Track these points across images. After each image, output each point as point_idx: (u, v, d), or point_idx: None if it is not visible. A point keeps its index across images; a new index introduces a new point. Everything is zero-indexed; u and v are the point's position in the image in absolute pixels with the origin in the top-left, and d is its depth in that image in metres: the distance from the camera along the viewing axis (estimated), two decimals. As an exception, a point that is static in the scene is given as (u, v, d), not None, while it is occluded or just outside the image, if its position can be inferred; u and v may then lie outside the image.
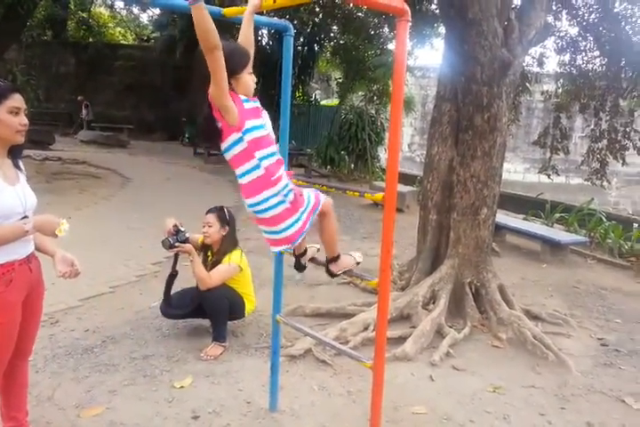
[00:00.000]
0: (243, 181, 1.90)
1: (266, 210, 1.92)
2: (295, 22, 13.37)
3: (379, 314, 2.07)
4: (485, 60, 3.93)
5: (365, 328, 3.47)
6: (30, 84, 9.76)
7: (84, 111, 16.89)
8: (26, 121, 1.89)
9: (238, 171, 1.90)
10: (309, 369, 3.10)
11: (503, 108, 4.07)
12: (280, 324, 2.55)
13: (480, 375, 3.18)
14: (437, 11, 10.17)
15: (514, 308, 3.92)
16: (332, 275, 2.22)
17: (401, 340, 3.41)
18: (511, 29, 4.13)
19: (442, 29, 11.26)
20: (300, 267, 2.30)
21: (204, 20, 1.61)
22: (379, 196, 2.05)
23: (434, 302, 3.84)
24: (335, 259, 2.20)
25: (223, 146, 1.88)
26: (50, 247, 2.07)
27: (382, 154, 11.93)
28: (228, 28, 14.36)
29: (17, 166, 1.98)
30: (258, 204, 1.91)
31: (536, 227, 6.80)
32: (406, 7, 1.83)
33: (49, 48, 17.98)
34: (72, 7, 19.34)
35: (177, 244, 3.03)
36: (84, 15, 20.67)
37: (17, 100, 1.85)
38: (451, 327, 3.67)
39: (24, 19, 10.27)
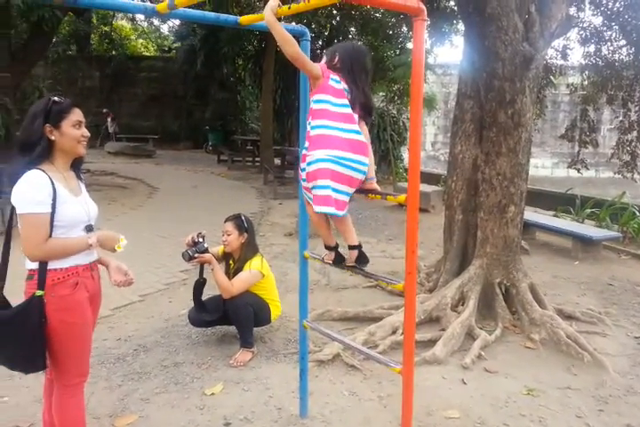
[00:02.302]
0: (362, 138, 2.01)
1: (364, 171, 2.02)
2: (313, 26, 13.41)
3: (406, 318, 2.04)
4: (506, 56, 3.86)
5: (394, 332, 3.43)
6: (58, 99, 9.99)
7: (109, 123, 17.26)
8: (87, 133, 2.01)
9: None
10: (339, 374, 3.08)
11: (527, 104, 3.99)
12: (307, 329, 2.54)
13: (514, 378, 3.11)
14: (455, 7, 10.07)
15: (546, 307, 3.82)
16: (363, 260, 2.16)
17: (431, 343, 3.36)
18: (532, 23, 4.05)
19: (461, 26, 11.12)
20: (340, 259, 2.26)
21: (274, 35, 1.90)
22: (401, 197, 2.02)
23: (463, 304, 3.78)
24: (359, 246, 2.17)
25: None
26: (104, 257, 2.19)
27: (405, 154, 11.83)
28: (246, 35, 14.52)
29: (79, 178, 2.11)
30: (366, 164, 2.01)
31: (566, 223, 6.63)
32: (422, 6, 1.80)
33: (74, 63, 18.44)
34: (94, 21, 19.81)
35: (196, 255, 3.08)
36: (107, 29, 21.15)
37: (78, 114, 1.98)
38: (481, 329, 3.60)
39: (49, 35, 10.55)
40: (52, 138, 1.93)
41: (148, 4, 2.02)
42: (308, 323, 2.51)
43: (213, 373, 3.09)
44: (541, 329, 3.59)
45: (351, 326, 3.73)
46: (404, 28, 12.78)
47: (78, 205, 1.99)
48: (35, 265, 1.93)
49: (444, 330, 3.51)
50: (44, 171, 1.91)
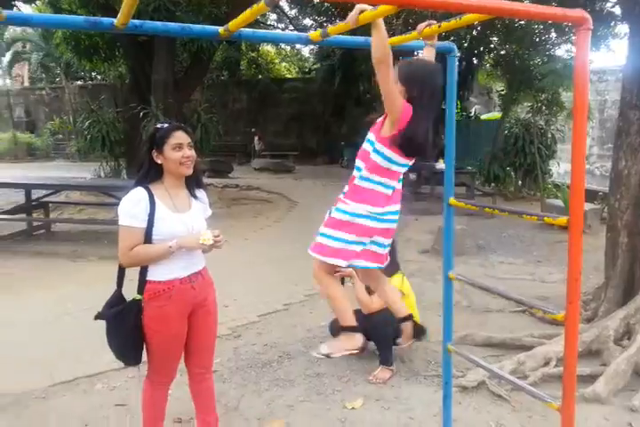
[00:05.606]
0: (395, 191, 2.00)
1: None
2: (452, 38, 13.17)
3: (567, 352, 1.87)
4: (683, 60, 3.42)
5: (546, 363, 3.17)
6: (212, 121, 11.03)
7: (256, 142, 18.67)
8: (188, 154, 2.14)
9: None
10: (484, 403, 2.93)
11: None
12: (451, 353, 2.46)
13: (696, 428, 2.68)
14: (614, 9, 9.19)
15: None
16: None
17: (589, 378, 3.04)
18: None
19: (619, 29, 10.11)
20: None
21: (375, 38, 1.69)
22: (562, 220, 1.87)
23: (629, 338, 3.36)
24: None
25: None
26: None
27: (554, 168, 10.94)
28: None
29: (194, 196, 2.25)
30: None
31: None
32: (587, 15, 1.66)
33: (225, 87, 20.23)
34: (243, 48, 21.57)
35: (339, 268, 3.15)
36: (254, 55, 22.90)
37: (177, 137, 2.13)
38: (652, 368, 3.17)
39: (206, 63, 11.77)
40: (159, 161, 2.14)
41: (303, 34, 2.14)
42: (452, 347, 2.43)
43: (353, 387, 3.13)
44: None
45: (495, 352, 3.52)
46: (553, 34, 11.98)
47: (178, 221, 2.13)
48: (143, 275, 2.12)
49: (605, 365, 3.15)
50: (148, 188, 2.12)
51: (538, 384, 2.97)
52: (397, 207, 1.98)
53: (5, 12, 1.53)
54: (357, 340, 1.99)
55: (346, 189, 1.99)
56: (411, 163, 1.96)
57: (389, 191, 1.93)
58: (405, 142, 1.85)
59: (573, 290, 1.84)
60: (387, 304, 2.17)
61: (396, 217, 1.98)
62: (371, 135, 1.95)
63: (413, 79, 1.88)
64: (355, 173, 1.96)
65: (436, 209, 8.55)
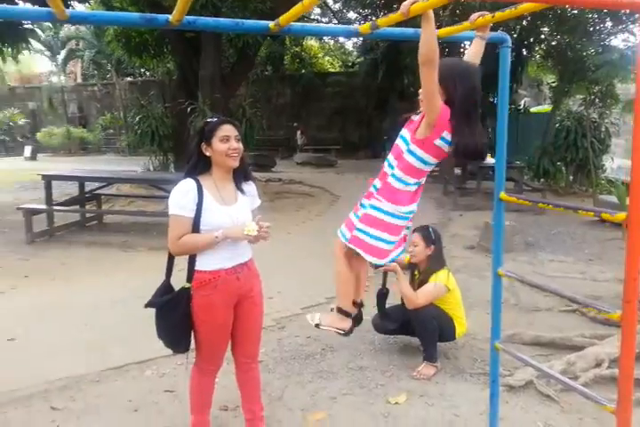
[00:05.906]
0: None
1: None
2: (501, 29, 12.76)
3: (623, 353, 1.80)
4: None
5: (598, 364, 3.05)
6: (257, 116, 11.14)
7: (298, 136, 18.78)
8: (235, 146, 2.18)
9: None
10: (531, 403, 2.86)
11: None
12: (498, 351, 2.41)
13: None
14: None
15: None
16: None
17: (645, 382, 2.92)
18: None
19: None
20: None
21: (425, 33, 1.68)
22: (620, 216, 1.79)
23: (689, 341, 3.20)
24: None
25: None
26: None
27: (608, 163, 10.49)
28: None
29: (240, 190, 2.30)
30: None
31: None
32: None
33: (270, 82, 20.43)
34: (287, 43, 21.66)
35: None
36: (297, 49, 22.95)
37: (225, 130, 2.18)
38: None
39: (252, 59, 11.89)
40: (208, 154, 2.19)
41: (352, 26, 2.13)
42: (500, 345, 2.38)
43: (397, 382, 3.12)
44: None
45: (544, 352, 3.42)
46: (608, 23, 11.44)
47: (224, 213, 2.18)
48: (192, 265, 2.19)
49: (662, 369, 3.01)
50: (197, 180, 2.17)
51: (589, 386, 2.88)
52: (418, 199, 2.06)
53: (68, 12, 1.59)
54: (348, 323, 2.21)
55: (377, 183, 2.03)
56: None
57: (415, 188, 2.01)
58: (464, 153, 1.91)
59: (631, 289, 1.77)
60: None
61: (415, 208, 2.07)
62: (405, 133, 1.97)
63: (452, 80, 1.86)
64: (386, 168, 2.00)
65: (481, 204, 8.38)
